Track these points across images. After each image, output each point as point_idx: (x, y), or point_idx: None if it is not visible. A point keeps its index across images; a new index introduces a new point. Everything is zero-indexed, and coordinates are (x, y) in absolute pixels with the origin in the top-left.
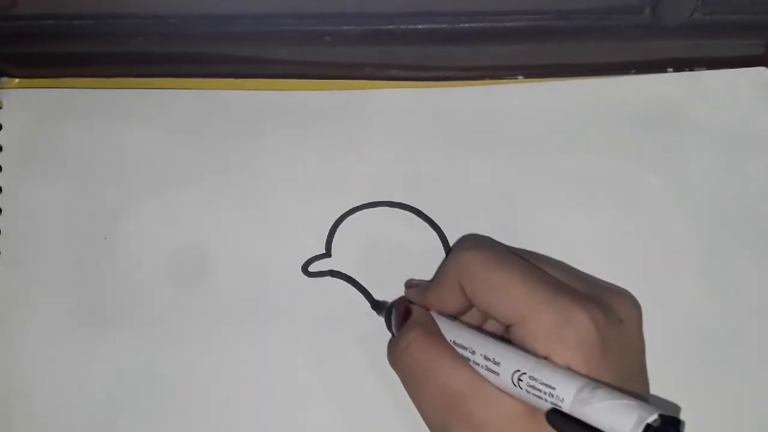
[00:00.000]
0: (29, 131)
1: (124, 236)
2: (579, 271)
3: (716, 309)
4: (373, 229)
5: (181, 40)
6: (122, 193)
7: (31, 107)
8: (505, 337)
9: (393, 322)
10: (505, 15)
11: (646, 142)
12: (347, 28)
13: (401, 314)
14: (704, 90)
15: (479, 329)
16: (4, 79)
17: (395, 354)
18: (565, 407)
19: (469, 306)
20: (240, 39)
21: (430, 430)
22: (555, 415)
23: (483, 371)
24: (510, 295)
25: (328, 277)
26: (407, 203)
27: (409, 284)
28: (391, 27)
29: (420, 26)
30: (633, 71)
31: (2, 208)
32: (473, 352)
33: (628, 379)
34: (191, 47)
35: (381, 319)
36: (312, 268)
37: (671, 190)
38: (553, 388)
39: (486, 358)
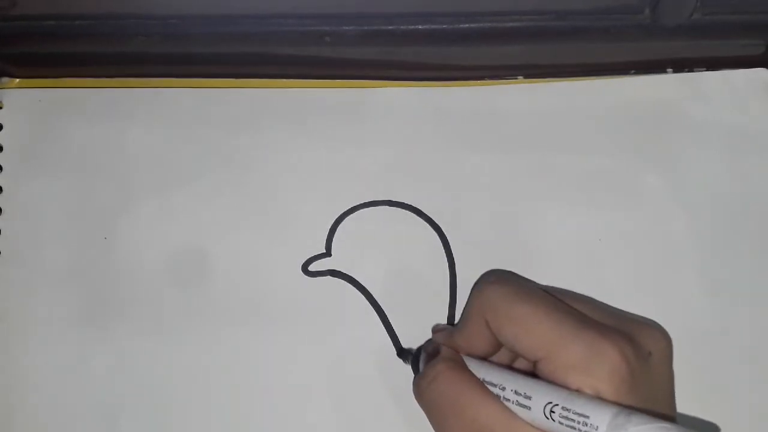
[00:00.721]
0: (29, 131)
1: (124, 236)
2: (605, 305)
3: (716, 309)
4: (374, 229)
5: (181, 40)
6: (122, 192)
7: (31, 107)
8: (534, 373)
9: (421, 365)
10: (505, 15)
11: (645, 143)
12: (347, 28)
13: (430, 354)
14: (704, 90)
15: (509, 367)
16: (5, 79)
17: (422, 387)
18: None
19: (497, 345)
20: (240, 39)
21: None
22: None
23: (514, 407)
24: (535, 330)
25: (328, 277)
26: (407, 202)
27: (436, 329)
28: (391, 27)
29: (420, 26)
30: (633, 72)
31: (2, 208)
32: (503, 389)
33: (658, 412)
34: (191, 47)
35: (380, 320)
36: (312, 268)
37: (671, 190)
38: (587, 417)
39: (516, 393)
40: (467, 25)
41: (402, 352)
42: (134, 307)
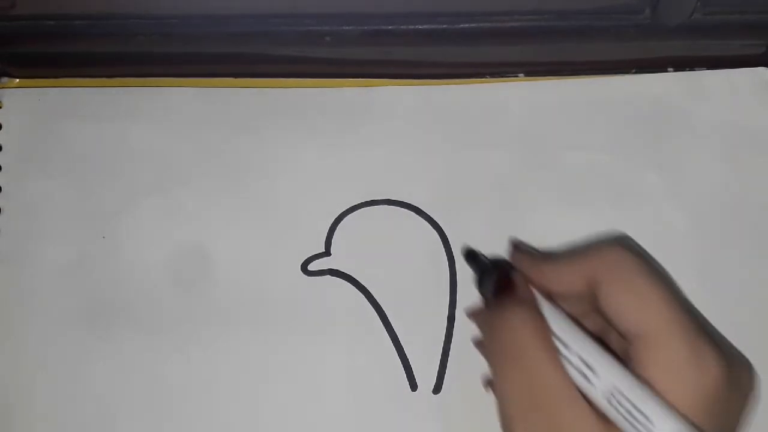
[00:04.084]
0: (29, 131)
1: (124, 235)
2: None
3: (716, 309)
4: (374, 228)
5: (181, 40)
6: (122, 192)
7: (32, 107)
8: (603, 340)
9: (489, 284)
10: (505, 15)
11: (646, 142)
12: (347, 28)
13: (499, 279)
14: (704, 90)
15: (579, 324)
16: (5, 79)
17: (498, 324)
18: None
19: (582, 302)
20: (240, 39)
21: (503, 404)
22: None
23: (572, 371)
24: (653, 309)
25: (328, 276)
26: (407, 201)
27: (519, 247)
28: (391, 27)
29: (420, 26)
30: (633, 71)
31: (2, 208)
32: (567, 347)
33: None
34: (192, 47)
35: (380, 319)
36: (312, 267)
37: (671, 189)
38: (651, 422)
39: (581, 360)
40: (467, 25)
41: (470, 256)
42: (134, 307)
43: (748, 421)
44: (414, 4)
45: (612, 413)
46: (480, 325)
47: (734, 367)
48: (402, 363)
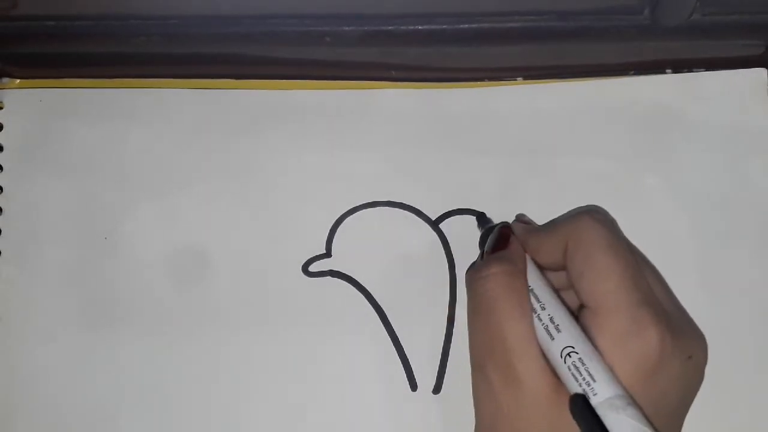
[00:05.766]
0: (30, 131)
1: (125, 236)
2: (673, 294)
3: (716, 309)
4: (374, 229)
5: (181, 41)
6: (122, 193)
7: (32, 107)
8: (575, 313)
9: (488, 243)
10: (505, 16)
11: (645, 143)
12: (347, 28)
13: (497, 238)
14: (703, 91)
15: (557, 293)
16: (5, 79)
17: (475, 276)
18: (593, 401)
19: (557, 268)
20: (240, 39)
21: (470, 354)
22: (578, 401)
23: (540, 330)
24: (602, 281)
25: (328, 277)
26: (407, 203)
27: (521, 218)
28: (391, 27)
29: (420, 27)
30: (632, 72)
31: (2, 208)
32: (543, 308)
33: (664, 414)
34: (192, 47)
35: (380, 320)
36: (312, 268)
37: (671, 191)
38: (594, 381)
39: (551, 320)
40: (467, 26)
41: (482, 218)
42: (134, 307)
43: (695, 391)
44: (414, 4)
45: (562, 368)
46: (466, 280)
47: (679, 338)
48: (402, 363)
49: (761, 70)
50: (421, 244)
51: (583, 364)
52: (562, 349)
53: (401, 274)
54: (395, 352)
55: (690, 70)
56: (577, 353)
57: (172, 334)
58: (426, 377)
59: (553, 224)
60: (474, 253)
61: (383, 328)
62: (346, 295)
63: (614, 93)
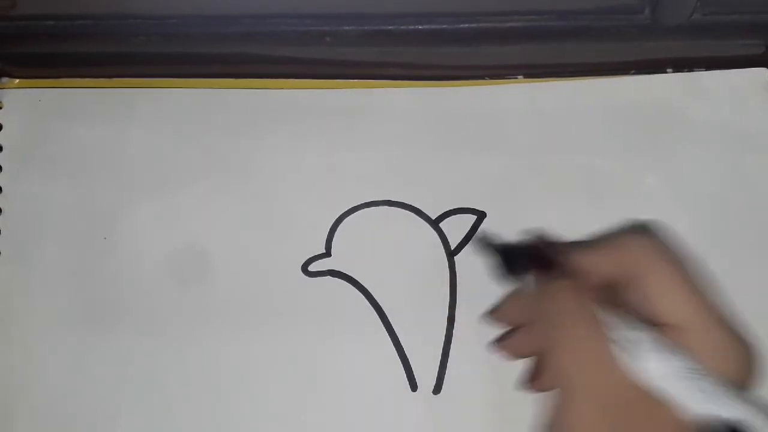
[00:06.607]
0: (29, 131)
1: (124, 236)
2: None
3: None
4: (374, 229)
5: (181, 40)
6: (122, 192)
7: (32, 107)
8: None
9: (523, 264)
10: (505, 15)
11: (645, 143)
12: (347, 28)
13: (536, 259)
14: (704, 90)
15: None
16: (5, 79)
17: (548, 295)
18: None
19: (604, 287)
20: (240, 39)
21: (561, 373)
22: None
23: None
24: (679, 298)
25: (328, 277)
26: (407, 202)
27: (544, 237)
28: (391, 27)
29: (420, 26)
30: (632, 71)
31: (2, 208)
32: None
33: None
34: (191, 47)
35: (380, 320)
36: (312, 268)
37: (671, 190)
38: (717, 402)
39: (626, 338)
40: (467, 25)
41: (498, 247)
42: (134, 307)
43: None
44: (414, 4)
45: (667, 389)
46: (520, 309)
47: (751, 350)
48: (402, 363)
49: (762, 70)
50: (421, 243)
51: (698, 384)
52: (661, 368)
53: (401, 274)
54: (395, 352)
55: (690, 70)
56: (681, 372)
57: (171, 334)
58: (426, 377)
59: (597, 244)
60: (474, 253)
61: (383, 327)
62: (346, 294)
63: (614, 92)
